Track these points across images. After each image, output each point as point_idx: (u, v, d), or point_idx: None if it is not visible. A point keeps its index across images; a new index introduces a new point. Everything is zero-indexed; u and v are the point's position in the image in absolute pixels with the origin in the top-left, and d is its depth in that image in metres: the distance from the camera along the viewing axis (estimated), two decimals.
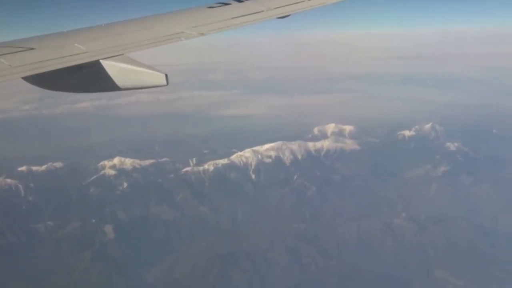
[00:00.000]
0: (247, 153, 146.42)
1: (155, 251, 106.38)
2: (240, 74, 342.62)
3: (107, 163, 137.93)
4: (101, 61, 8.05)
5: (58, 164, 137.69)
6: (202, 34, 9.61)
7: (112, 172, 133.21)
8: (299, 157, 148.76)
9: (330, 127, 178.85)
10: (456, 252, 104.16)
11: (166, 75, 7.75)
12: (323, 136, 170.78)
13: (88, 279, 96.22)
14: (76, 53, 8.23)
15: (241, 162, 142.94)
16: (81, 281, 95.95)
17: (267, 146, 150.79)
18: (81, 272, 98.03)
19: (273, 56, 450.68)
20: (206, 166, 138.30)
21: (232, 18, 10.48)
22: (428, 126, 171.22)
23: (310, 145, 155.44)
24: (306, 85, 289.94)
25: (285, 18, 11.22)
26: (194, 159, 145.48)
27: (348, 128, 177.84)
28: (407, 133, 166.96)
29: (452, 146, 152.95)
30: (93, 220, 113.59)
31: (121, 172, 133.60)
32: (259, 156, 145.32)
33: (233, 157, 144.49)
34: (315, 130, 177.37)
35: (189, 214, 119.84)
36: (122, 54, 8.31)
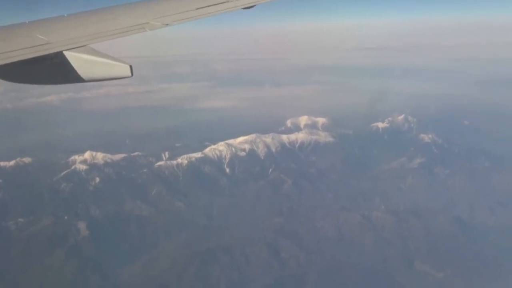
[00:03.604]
0: (220, 146, 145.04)
1: (131, 248, 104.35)
2: (208, 66, 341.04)
3: (77, 157, 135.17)
4: (64, 52, 7.94)
5: (27, 160, 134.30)
6: (167, 24, 9.55)
7: (83, 167, 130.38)
8: (274, 150, 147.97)
9: (303, 120, 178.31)
10: (435, 244, 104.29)
11: (131, 66, 7.69)
12: (296, 128, 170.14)
13: (62, 278, 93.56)
14: (38, 44, 8.06)
15: (215, 155, 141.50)
16: (55, 280, 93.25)
17: (240, 139, 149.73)
18: (55, 271, 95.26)
19: (240, 48, 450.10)
20: (179, 160, 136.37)
21: (197, 8, 10.36)
22: (401, 117, 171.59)
23: (284, 137, 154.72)
24: (276, 77, 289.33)
25: (251, 9, 11.11)
26: (166, 153, 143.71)
27: (321, 120, 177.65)
28: (380, 125, 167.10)
29: (426, 137, 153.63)
30: (66, 217, 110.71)
31: (93, 167, 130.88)
32: (233, 149, 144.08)
33: (206, 150, 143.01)
34: (288, 123, 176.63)
35: (164, 210, 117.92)
36: (86, 45, 8.23)
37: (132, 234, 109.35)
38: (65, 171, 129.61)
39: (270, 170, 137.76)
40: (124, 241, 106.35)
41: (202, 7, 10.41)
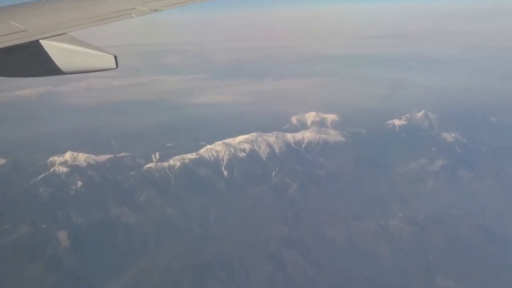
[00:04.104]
0: (217, 146, 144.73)
1: (117, 260, 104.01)
2: (202, 56, 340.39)
3: (57, 159, 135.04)
4: (41, 41, 7.87)
5: (1, 161, 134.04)
6: (156, 10, 9.49)
7: (63, 169, 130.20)
8: (277, 150, 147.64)
9: (310, 116, 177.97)
10: (459, 256, 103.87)
11: (115, 57, 7.65)
12: (303, 126, 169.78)
13: None
14: (12, 32, 8.01)
15: (211, 156, 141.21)
16: None
17: (240, 138, 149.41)
18: (32, 285, 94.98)
19: (237, 36, 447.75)
20: (171, 162, 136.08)
21: None
22: (420, 114, 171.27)
23: (289, 136, 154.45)
24: (279, 68, 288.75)
25: None
26: (157, 154, 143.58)
27: (330, 117, 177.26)
28: (397, 122, 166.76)
29: (449, 136, 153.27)
30: (44, 226, 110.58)
31: (74, 169, 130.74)
32: (232, 149, 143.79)
33: (201, 151, 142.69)
34: (293, 120, 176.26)
35: (154, 217, 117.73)
36: (65, 34, 8.17)
37: (118, 244, 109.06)
38: (43, 174, 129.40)
39: (273, 173, 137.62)
40: (109, 252, 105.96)
41: None
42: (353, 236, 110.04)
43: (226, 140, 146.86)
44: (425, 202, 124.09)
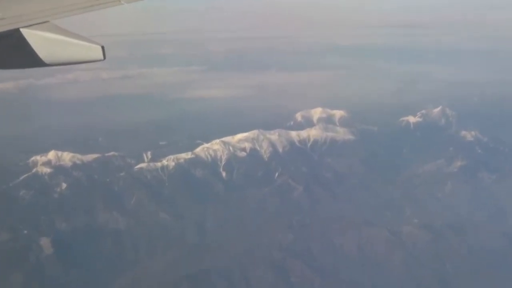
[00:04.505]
0: (215, 145, 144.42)
1: (105, 270, 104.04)
2: (199, 46, 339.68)
3: (39, 158, 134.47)
4: (21, 30, 7.80)
5: None
6: None
7: (46, 170, 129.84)
8: (280, 149, 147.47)
9: (316, 112, 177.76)
10: (480, 265, 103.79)
11: (103, 47, 7.66)
12: (308, 123, 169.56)
13: None
14: None
15: (209, 156, 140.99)
16: None
17: (239, 136, 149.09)
18: None
19: (236, 24, 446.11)
20: (165, 162, 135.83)
21: None
22: (437, 110, 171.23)
23: (293, 134, 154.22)
24: (283, 60, 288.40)
25: None
26: (149, 153, 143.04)
27: (338, 113, 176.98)
28: (411, 119, 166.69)
29: (468, 135, 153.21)
30: (25, 232, 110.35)
31: (58, 170, 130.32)
32: (231, 148, 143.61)
33: (198, 150, 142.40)
34: (298, 116, 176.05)
35: (146, 223, 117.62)
36: (48, 22, 8.07)
37: (106, 252, 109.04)
38: (25, 175, 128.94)
39: (276, 174, 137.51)
40: (97, 261, 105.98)
41: None
42: (363, 243, 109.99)
43: (225, 138, 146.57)
44: (443, 207, 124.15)
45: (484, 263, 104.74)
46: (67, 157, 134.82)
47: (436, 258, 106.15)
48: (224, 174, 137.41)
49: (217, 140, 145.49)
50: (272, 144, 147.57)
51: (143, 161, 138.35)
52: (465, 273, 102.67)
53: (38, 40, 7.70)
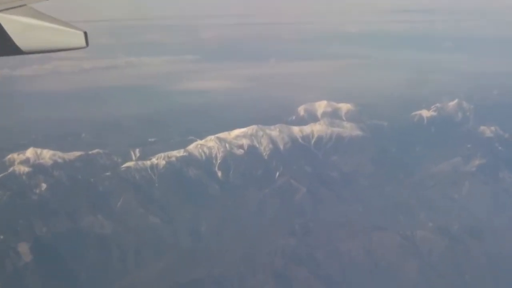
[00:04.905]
0: (210, 141, 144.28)
1: (90, 280, 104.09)
2: (191, 34, 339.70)
3: (17, 156, 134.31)
4: None
5: None
6: None
7: (24, 169, 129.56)
8: (281, 146, 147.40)
9: (321, 106, 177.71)
10: (501, 274, 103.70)
11: (86, 34, 7.58)
12: (312, 118, 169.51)
13: None
14: None
15: (203, 154, 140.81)
16: None
17: (236, 132, 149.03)
18: None
19: (233, 9, 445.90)
20: (154, 160, 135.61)
21: None
22: (453, 103, 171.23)
23: (295, 130, 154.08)
24: (284, 49, 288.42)
25: None
26: (137, 151, 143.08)
27: (345, 106, 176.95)
28: (425, 113, 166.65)
29: (487, 130, 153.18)
30: (1, 237, 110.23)
31: (37, 169, 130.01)
32: (227, 145, 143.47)
33: (191, 147, 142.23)
34: (301, 110, 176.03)
35: (134, 227, 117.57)
36: (25, 5, 8.06)
37: (91, 260, 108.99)
38: (0, 175, 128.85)
39: (277, 174, 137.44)
40: (80, 270, 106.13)
41: None
42: (373, 250, 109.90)
43: (220, 134, 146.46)
44: (460, 210, 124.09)
45: (506, 271, 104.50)
46: (47, 154, 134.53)
47: (453, 266, 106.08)
48: (219, 173, 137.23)
49: (212, 136, 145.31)
50: (272, 141, 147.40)
51: (130, 160, 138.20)
52: (485, 283, 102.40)
53: (14, 25, 7.61)
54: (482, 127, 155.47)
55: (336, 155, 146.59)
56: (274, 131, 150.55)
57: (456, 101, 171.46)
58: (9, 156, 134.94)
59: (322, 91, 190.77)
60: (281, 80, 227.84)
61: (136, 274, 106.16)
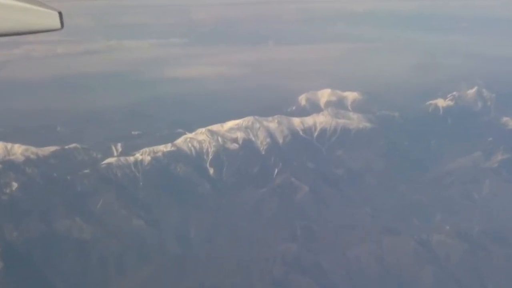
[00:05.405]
0: (200, 135, 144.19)
1: None
2: (180, 14, 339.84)
3: None
4: None
5: None
6: None
7: None
8: (280, 140, 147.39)
9: (324, 95, 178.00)
10: None
11: (60, 14, 7.55)
12: (314, 108, 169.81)
13: None
14: None
15: (192, 149, 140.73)
16: None
17: (230, 124, 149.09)
18: None
19: None
20: (139, 156, 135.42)
21: None
22: (471, 92, 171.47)
23: (296, 122, 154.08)
24: (282, 31, 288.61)
25: None
26: (119, 145, 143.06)
27: (351, 95, 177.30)
28: (440, 103, 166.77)
29: (510, 122, 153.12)
30: None
31: (8, 165, 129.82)
32: (219, 139, 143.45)
33: (179, 141, 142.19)
34: (302, 99, 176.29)
35: (116, 231, 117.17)
36: None
37: (68, 268, 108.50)
38: None
39: (276, 171, 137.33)
40: (56, 278, 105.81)
41: None
42: (385, 256, 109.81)
43: (212, 127, 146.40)
44: (481, 211, 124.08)
45: None
46: (18, 150, 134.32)
47: (473, 274, 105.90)
48: (211, 170, 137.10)
49: (203, 129, 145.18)
50: (270, 134, 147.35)
51: (112, 155, 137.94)
52: None
53: None
54: (504, 118, 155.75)
55: (342, 150, 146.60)
56: (272, 123, 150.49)
57: (475, 88, 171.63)
58: None
59: (326, 78, 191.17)
60: (280, 66, 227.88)
61: (118, 283, 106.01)
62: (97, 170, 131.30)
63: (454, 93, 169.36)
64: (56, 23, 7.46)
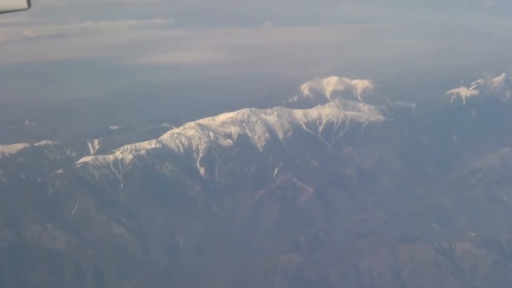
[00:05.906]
0: (189, 130, 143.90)
1: None
2: None
3: None
4: None
5: None
6: None
7: None
8: (280, 135, 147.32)
9: (330, 83, 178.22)
10: None
11: None
12: (319, 98, 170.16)
13: None
14: None
15: (180, 146, 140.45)
16: None
17: (223, 117, 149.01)
18: None
19: None
20: (119, 154, 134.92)
21: None
22: (498, 79, 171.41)
23: (298, 114, 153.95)
24: (282, 10, 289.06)
25: None
26: (96, 142, 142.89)
27: (361, 83, 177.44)
28: (463, 92, 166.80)
29: None
30: None
31: None
32: (211, 134, 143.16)
33: (165, 137, 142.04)
34: (304, 89, 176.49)
35: (93, 240, 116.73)
36: None
37: (39, 281, 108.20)
38: None
39: (276, 170, 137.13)
40: None
41: None
42: (401, 266, 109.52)
43: (203, 120, 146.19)
44: (511, 215, 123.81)
45: None
46: None
47: (502, 286, 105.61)
48: (202, 170, 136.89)
49: (192, 123, 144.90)
50: (268, 128, 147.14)
51: (88, 153, 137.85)
52: None
53: None
54: None
55: (351, 147, 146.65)
56: (271, 116, 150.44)
57: (502, 75, 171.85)
58: None
59: (332, 65, 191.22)
60: (279, 50, 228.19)
61: None
62: (71, 170, 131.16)
63: (479, 80, 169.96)
64: (23, 2, 7.57)
